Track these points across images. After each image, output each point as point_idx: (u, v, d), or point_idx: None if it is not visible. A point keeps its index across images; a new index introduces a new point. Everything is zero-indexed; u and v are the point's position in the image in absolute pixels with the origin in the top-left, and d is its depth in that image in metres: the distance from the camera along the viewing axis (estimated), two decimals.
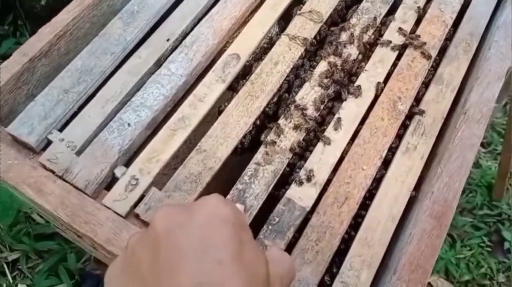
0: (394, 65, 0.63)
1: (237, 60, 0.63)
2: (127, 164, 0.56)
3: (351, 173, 0.55)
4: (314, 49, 0.66)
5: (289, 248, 0.51)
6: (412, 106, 0.60)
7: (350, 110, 0.60)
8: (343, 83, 0.62)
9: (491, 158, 1.45)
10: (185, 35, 0.65)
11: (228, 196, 0.53)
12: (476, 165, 1.43)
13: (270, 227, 0.52)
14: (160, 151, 0.56)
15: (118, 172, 0.55)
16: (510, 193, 1.37)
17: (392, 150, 0.57)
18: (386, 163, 0.57)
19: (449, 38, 0.67)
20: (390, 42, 0.64)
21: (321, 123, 0.60)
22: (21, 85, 0.59)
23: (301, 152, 0.58)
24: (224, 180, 0.57)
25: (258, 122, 0.61)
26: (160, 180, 0.56)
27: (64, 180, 0.53)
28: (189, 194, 0.53)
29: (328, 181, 0.55)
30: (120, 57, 0.63)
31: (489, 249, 1.29)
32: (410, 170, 0.56)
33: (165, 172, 0.57)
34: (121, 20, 0.65)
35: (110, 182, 0.55)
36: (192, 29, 0.65)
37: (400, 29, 0.65)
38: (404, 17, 0.67)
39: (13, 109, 0.59)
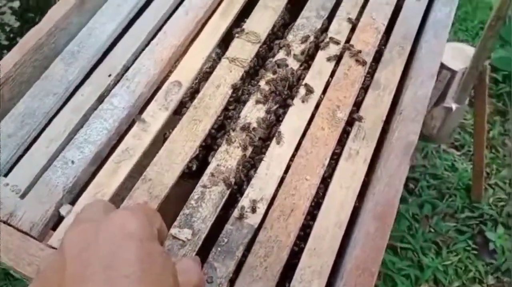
0: (332, 75, 0.65)
1: (178, 87, 0.64)
2: (74, 201, 0.56)
3: (296, 184, 0.55)
4: (254, 69, 0.67)
5: (239, 267, 0.50)
6: (352, 113, 0.61)
7: (292, 123, 0.61)
8: (283, 98, 0.63)
9: (466, 160, 1.46)
10: (126, 69, 0.66)
11: (175, 222, 0.53)
12: (452, 168, 1.43)
13: (219, 248, 0.51)
14: (105, 185, 0.56)
15: (63, 211, 0.54)
16: (489, 193, 1.37)
17: (335, 158, 0.58)
18: (330, 171, 0.57)
19: (383, 44, 0.69)
20: (327, 46, 0.66)
21: (265, 139, 0.61)
22: None
23: (248, 169, 0.58)
24: (177, 205, 0.57)
25: (204, 145, 0.61)
26: None
27: (8, 224, 0.52)
28: None
29: (275, 196, 0.55)
30: (63, 97, 0.64)
31: (475, 252, 1.28)
32: (354, 175, 0.56)
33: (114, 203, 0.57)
34: (62, 61, 0.66)
35: (58, 221, 0.55)
36: (133, 62, 0.67)
37: (332, 39, 0.67)
38: (339, 28, 0.69)
39: None
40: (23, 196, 0.55)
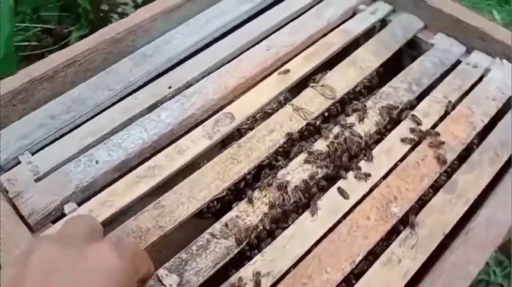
0: (401, 160, 0.55)
1: (231, 120, 0.59)
2: (83, 203, 0.53)
3: (312, 273, 0.46)
4: (316, 126, 0.60)
5: None
6: (410, 211, 0.51)
7: (335, 198, 0.52)
8: (336, 166, 0.55)
9: None
10: (188, 86, 0.63)
11: (167, 263, 0.47)
12: None
13: None
14: (118, 196, 0.52)
15: (67, 208, 0.51)
16: None
17: (370, 257, 0.48)
18: (359, 271, 0.47)
19: (475, 143, 0.58)
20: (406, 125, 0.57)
21: (301, 206, 0.53)
22: (17, 103, 0.60)
23: (267, 234, 0.51)
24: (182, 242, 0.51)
25: (234, 189, 0.55)
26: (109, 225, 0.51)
27: (12, 203, 0.51)
28: None
29: (285, 275, 0.47)
30: (118, 94, 0.62)
31: None
32: (387, 286, 0.46)
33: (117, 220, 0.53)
34: (131, 60, 0.65)
35: (61, 217, 0.52)
36: (197, 81, 0.63)
37: (415, 117, 0.58)
38: (428, 109, 0.60)
39: (4, 125, 0.59)
40: (37, 180, 0.53)
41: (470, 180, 0.53)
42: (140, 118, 0.59)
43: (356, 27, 0.72)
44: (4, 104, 0.59)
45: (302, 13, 0.73)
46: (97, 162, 0.54)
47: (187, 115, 0.59)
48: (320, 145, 0.57)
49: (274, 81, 0.64)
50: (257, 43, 0.69)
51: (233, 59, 0.66)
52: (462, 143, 0.56)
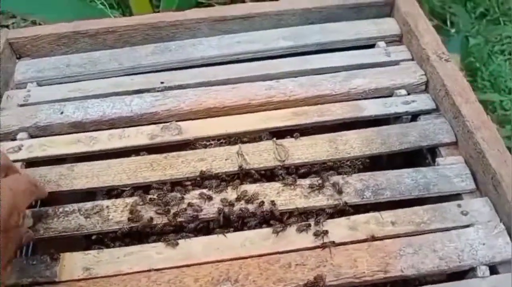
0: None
1: (178, 133, 0.62)
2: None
3: None
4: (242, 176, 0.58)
5: None
6: None
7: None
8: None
9: None
10: (178, 88, 0.67)
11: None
12: None
13: None
14: (55, 145, 0.61)
15: (20, 135, 0.62)
16: None
17: None
18: None
19: None
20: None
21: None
22: (60, 44, 0.73)
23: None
24: None
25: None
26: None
27: None
28: None
29: None
30: (125, 70, 0.70)
31: None
32: None
33: None
34: (155, 48, 0.72)
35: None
36: (185, 88, 0.67)
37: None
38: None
39: (42, 56, 0.73)
40: (21, 105, 0.65)
41: None
42: (121, 96, 0.66)
43: (374, 108, 0.64)
44: (49, 41, 0.73)
45: (336, 71, 0.69)
46: (62, 113, 0.64)
47: (151, 111, 0.64)
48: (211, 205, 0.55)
49: (245, 121, 0.63)
50: (266, 80, 0.68)
51: (231, 83, 0.67)
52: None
